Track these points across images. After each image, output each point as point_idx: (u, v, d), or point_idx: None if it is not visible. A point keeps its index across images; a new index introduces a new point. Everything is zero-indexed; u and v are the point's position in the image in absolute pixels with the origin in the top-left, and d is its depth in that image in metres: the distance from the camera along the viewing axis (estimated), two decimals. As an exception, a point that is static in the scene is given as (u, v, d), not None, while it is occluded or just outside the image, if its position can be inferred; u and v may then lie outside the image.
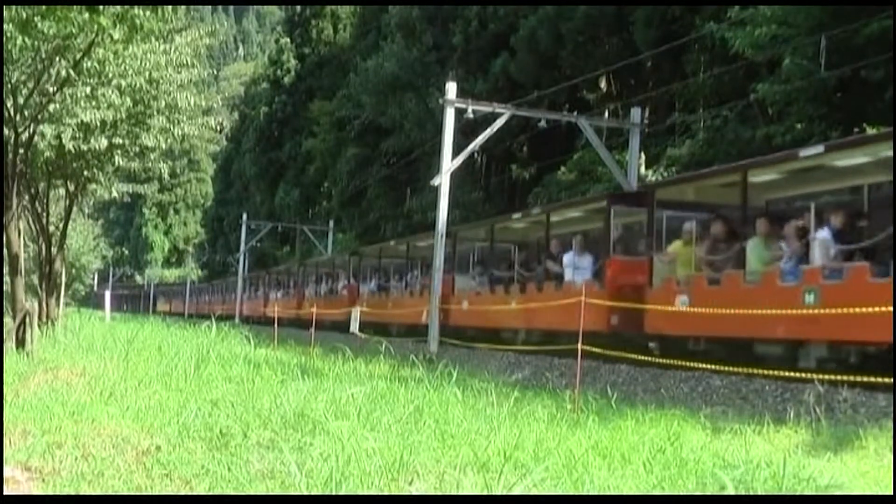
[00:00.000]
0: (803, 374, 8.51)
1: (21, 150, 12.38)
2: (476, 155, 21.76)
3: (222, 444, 5.07)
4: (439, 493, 4.15)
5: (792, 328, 9.83)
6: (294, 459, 4.38)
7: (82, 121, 12.13)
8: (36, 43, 10.80)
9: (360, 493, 3.96)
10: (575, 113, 21.03)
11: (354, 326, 19.78)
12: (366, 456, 4.46)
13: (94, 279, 59.85)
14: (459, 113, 18.61)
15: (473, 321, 18.20)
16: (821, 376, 8.54)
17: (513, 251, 19.27)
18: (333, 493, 3.93)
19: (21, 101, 11.85)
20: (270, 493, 4.05)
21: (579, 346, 9.49)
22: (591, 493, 4.10)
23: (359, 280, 27.35)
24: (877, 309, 8.30)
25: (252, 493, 4.06)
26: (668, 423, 6.66)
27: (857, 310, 8.57)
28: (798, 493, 4.36)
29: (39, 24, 10.08)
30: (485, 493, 4.00)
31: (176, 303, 66.58)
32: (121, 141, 13.37)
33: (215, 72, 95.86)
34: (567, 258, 15.03)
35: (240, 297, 46.02)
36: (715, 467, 4.74)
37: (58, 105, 12.17)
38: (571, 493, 4.11)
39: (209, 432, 5.34)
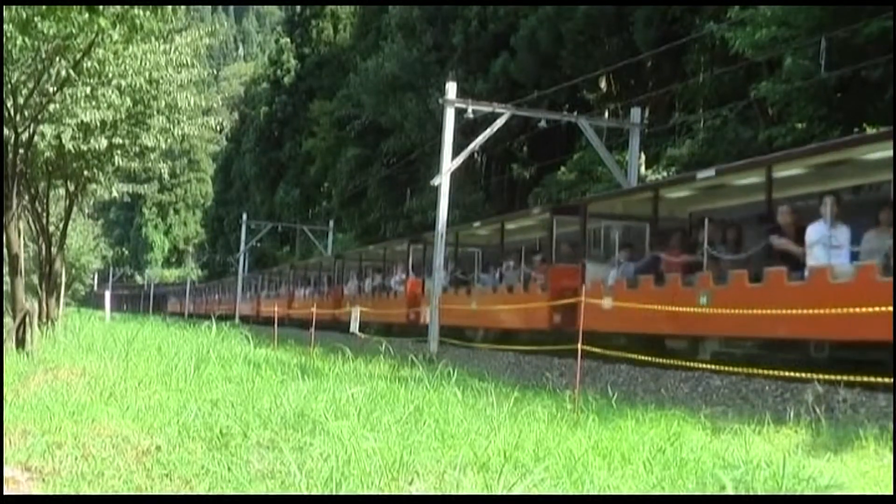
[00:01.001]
0: (803, 374, 8.49)
1: (21, 150, 12.39)
2: (476, 155, 21.73)
3: (222, 444, 5.07)
4: (439, 493, 4.15)
5: None
6: (294, 459, 4.38)
7: (82, 121, 12.14)
8: (36, 43, 10.80)
9: (360, 493, 3.96)
10: (575, 113, 21.04)
11: (354, 326, 19.76)
12: (366, 456, 4.46)
13: (94, 279, 59.92)
14: (459, 113, 18.61)
15: (624, 325, 12.92)
16: (821, 376, 8.53)
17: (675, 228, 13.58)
18: (333, 493, 3.93)
19: (21, 101, 11.85)
20: (270, 493, 4.05)
21: (579, 346, 9.48)
22: (591, 493, 4.10)
23: (423, 273, 21.71)
24: None
25: (252, 493, 4.06)
26: (668, 423, 6.65)
27: None
28: (798, 493, 4.36)
29: (39, 24, 10.08)
30: (485, 493, 4.00)
31: (190, 302, 63.42)
32: (121, 141, 13.38)
33: (215, 72, 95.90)
34: (815, 231, 9.97)
35: (239, 298, 45.95)
36: (715, 467, 4.74)
37: (58, 105, 12.17)
38: (571, 493, 4.11)
39: (209, 432, 5.34)
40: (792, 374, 8.50)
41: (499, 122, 19.16)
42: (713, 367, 10.18)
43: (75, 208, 17.91)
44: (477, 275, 19.45)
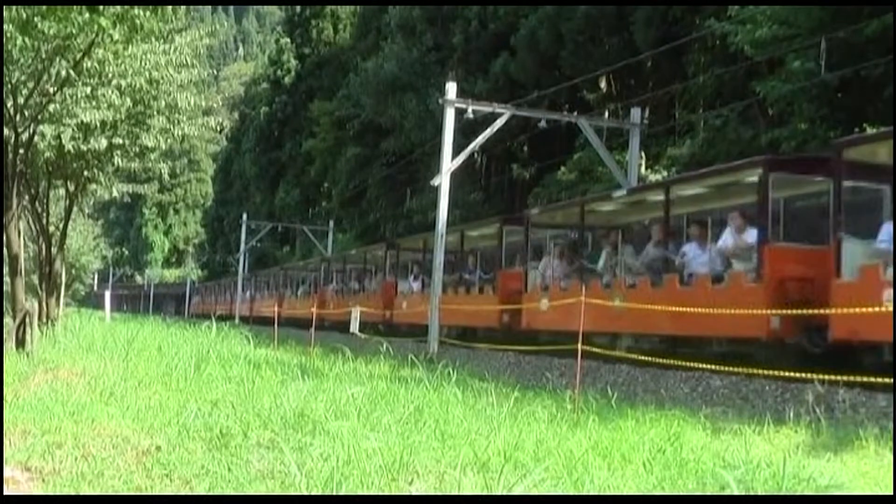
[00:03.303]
0: (803, 374, 8.49)
1: (21, 150, 12.39)
2: (476, 155, 21.72)
3: (222, 444, 5.06)
4: (439, 493, 4.15)
5: None
6: (294, 459, 4.37)
7: (82, 121, 12.14)
8: (36, 43, 10.80)
9: (360, 493, 3.96)
10: (575, 113, 21.03)
11: (354, 326, 19.74)
12: (366, 456, 4.46)
13: (94, 279, 59.71)
14: (459, 113, 18.59)
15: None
16: (821, 376, 8.52)
17: None
18: (333, 493, 3.93)
19: (21, 101, 11.85)
20: (270, 494, 4.05)
21: (579, 346, 9.48)
22: (591, 493, 4.10)
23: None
24: None
25: (252, 493, 4.06)
26: (668, 423, 6.64)
27: None
28: (798, 493, 4.36)
29: (39, 24, 10.08)
30: (485, 493, 4.00)
31: (209, 302, 55.58)
32: (121, 141, 13.38)
33: (215, 72, 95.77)
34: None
35: (240, 297, 45.78)
36: (715, 467, 4.74)
37: (58, 105, 12.17)
38: (571, 493, 4.11)
39: (209, 432, 5.34)
40: (792, 374, 8.49)
41: (499, 122, 19.14)
42: (713, 367, 10.19)
43: (75, 208, 17.91)
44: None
